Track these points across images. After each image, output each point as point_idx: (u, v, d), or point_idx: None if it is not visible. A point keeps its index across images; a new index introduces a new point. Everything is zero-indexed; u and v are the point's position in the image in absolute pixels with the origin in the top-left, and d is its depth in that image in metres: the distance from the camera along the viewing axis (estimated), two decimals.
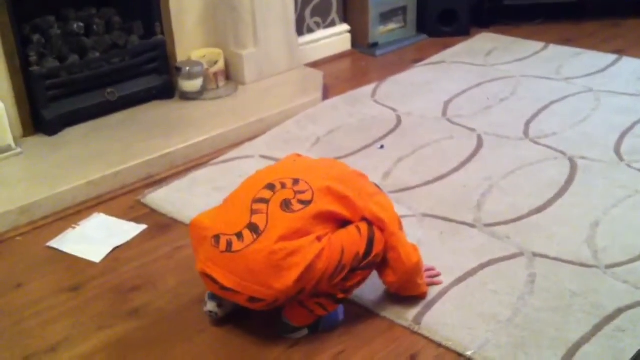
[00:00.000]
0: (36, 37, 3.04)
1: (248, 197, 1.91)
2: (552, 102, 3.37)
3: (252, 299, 1.83)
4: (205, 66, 3.45)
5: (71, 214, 2.64)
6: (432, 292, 2.11)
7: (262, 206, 1.86)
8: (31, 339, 2.03)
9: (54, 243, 2.46)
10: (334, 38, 4.20)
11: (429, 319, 2.01)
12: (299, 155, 2.20)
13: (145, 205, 2.68)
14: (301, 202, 1.86)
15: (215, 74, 3.49)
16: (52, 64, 3.05)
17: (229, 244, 1.83)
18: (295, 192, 1.88)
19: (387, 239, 1.93)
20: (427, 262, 2.15)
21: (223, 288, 1.85)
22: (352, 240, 1.87)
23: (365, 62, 4.12)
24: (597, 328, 1.96)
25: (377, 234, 1.91)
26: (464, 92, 3.54)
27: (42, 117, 3.03)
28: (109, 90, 3.20)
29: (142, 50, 3.32)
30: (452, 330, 1.97)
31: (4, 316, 2.13)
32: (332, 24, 4.20)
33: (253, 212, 1.86)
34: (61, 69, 3.08)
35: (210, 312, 2.02)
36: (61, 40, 3.12)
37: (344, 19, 4.26)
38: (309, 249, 1.80)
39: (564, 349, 1.89)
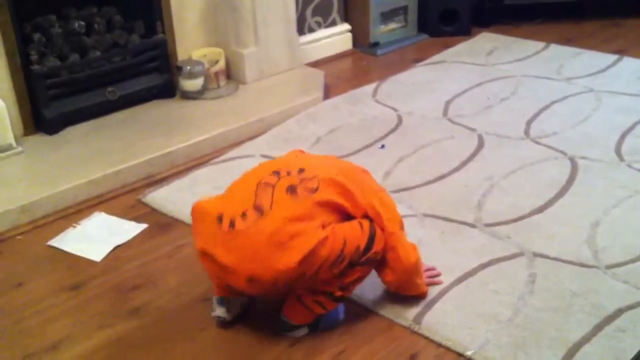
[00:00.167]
0: (37, 36, 3.04)
1: (253, 182, 1.90)
2: (552, 102, 3.36)
3: (250, 279, 1.80)
4: (206, 65, 3.45)
5: (72, 213, 2.64)
6: (433, 291, 2.11)
7: (268, 189, 1.85)
8: (32, 338, 2.03)
9: (55, 242, 2.46)
10: (335, 37, 4.20)
11: (429, 319, 2.01)
12: (301, 151, 2.20)
13: (146, 205, 2.68)
14: (306, 189, 1.86)
15: (216, 73, 3.49)
16: (53, 62, 3.05)
17: (232, 223, 1.81)
18: (301, 180, 1.88)
19: (387, 238, 1.93)
20: (427, 261, 2.16)
21: (222, 267, 1.83)
22: (354, 233, 1.87)
23: (366, 61, 4.12)
24: (598, 328, 1.96)
25: (378, 232, 1.91)
26: (464, 91, 3.54)
27: (43, 116, 3.03)
28: (109, 89, 3.20)
29: (143, 49, 3.32)
30: (452, 330, 1.97)
31: (5, 315, 2.13)
32: (333, 23, 4.20)
33: (258, 195, 1.85)
34: (62, 68, 3.08)
35: (219, 317, 2.01)
36: (62, 39, 3.12)
37: (345, 19, 4.26)
38: (314, 233, 1.79)
39: (564, 349, 1.89)
